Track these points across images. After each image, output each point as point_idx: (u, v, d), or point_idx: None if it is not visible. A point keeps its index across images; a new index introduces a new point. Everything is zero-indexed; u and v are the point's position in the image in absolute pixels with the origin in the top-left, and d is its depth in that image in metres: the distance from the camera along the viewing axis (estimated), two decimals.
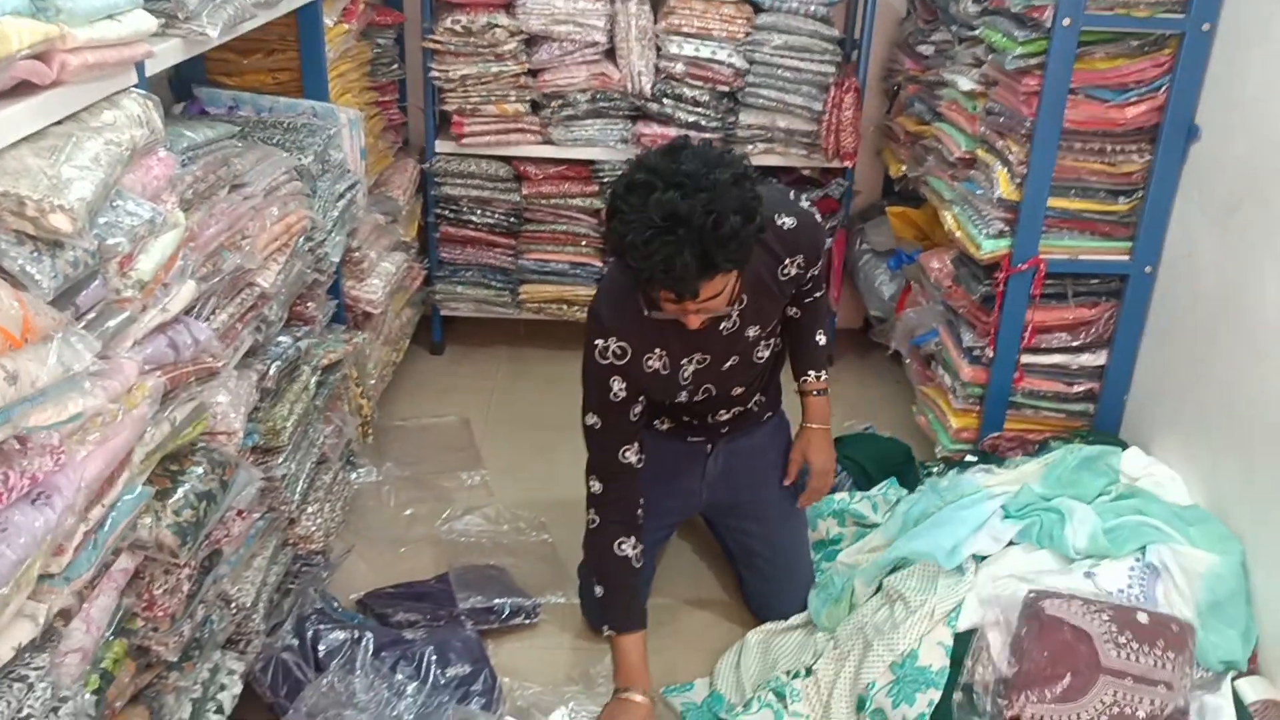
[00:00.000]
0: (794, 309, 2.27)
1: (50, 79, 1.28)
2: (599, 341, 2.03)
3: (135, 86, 1.52)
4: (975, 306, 2.83)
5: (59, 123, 1.34)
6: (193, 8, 1.67)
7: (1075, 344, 2.79)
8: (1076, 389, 2.84)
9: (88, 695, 1.42)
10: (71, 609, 1.41)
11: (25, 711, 1.24)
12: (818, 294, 2.28)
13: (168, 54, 1.66)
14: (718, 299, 1.86)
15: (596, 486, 2.17)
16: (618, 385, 2.06)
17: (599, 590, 2.22)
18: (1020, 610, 2.07)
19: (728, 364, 2.19)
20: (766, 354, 2.26)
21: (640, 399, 2.12)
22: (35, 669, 1.28)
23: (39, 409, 1.15)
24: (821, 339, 2.35)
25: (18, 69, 1.22)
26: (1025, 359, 2.79)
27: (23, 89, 1.26)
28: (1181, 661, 1.96)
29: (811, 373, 2.36)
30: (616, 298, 2.05)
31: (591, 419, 2.12)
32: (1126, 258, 2.67)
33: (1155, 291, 2.67)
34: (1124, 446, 2.61)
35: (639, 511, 2.18)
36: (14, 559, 1.13)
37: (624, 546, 2.17)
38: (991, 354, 2.77)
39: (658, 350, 2.07)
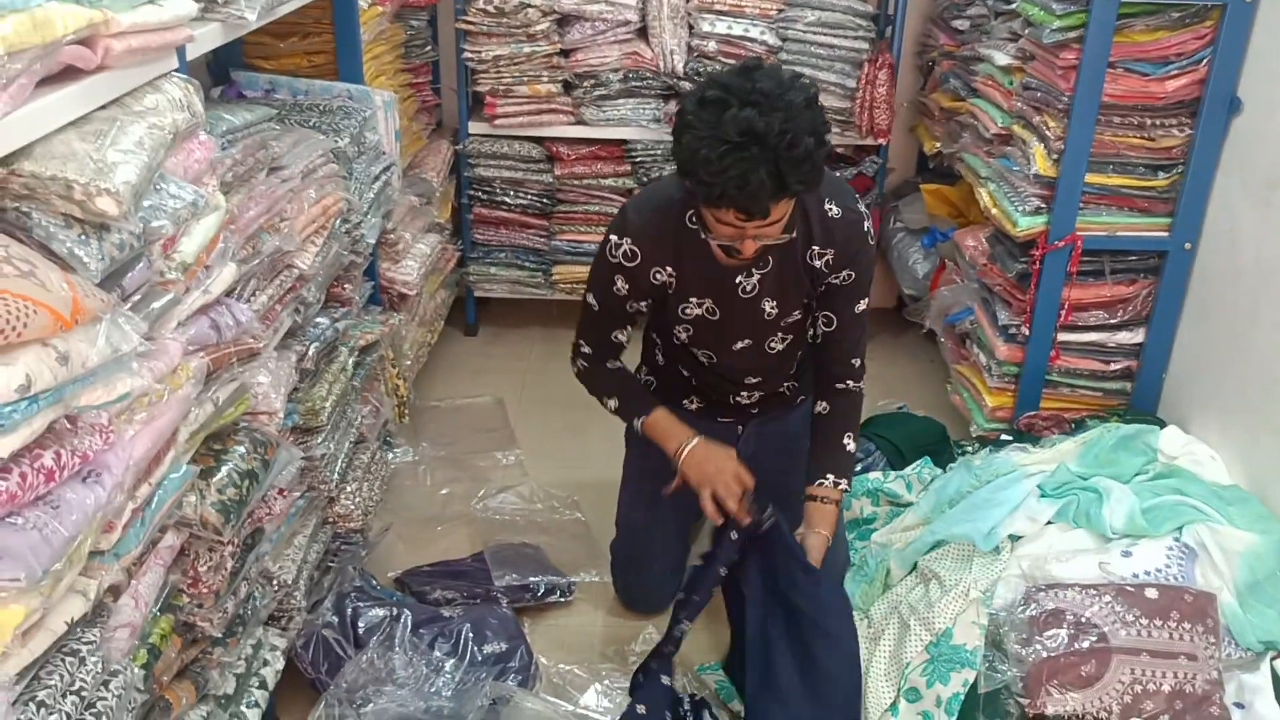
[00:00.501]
0: (819, 321, 2.16)
1: (95, 64, 1.30)
2: (614, 238, 2.02)
3: (176, 71, 1.54)
4: (1011, 284, 2.81)
5: (103, 107, 1.36)
6: None
7: (1112, 322, 2.77)
8: (1113, 367, 2.82)
9: (136, 670, 1.45)
10: (120, 585, 1.44)
11: (77, 684, 1.27)
12: (849, 357, 2.19)
13: (207, 38, 1.68)
14: (776, 225, 1.83)
15: (586, 350, 2.22)
16: (620, 283, 2.06)
17: (612, 403, 2.23)
18: (1021, 608, 2.06)
19: (739, 343, 2.15)
20: (781, 347, 2.18)
21: (643, 302, 2.12)
22: (86, 643, 1.31)
23: (89, 389, 1.18)
24: (850, 444, 2.18)
25: (63, 54, 1.24)
26: (1061, 337, 2.77)
27: (67, 74, 1.28)
28: (1202, 631, 1.95)
29: (830, 477, 2.15)
30: (650, 205, 2.04)
31: (591, 299, 2.14)
32: (1165, 234, 2.64)
33: (1194, 268, 2.64)
34: (1162, 425, 2.59)
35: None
36: (66, 535, 1.16)
37: (614, 364, 2.24)
38: (1027, 332, 2.75)
39: (669, 269, 2.04)
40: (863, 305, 2.14)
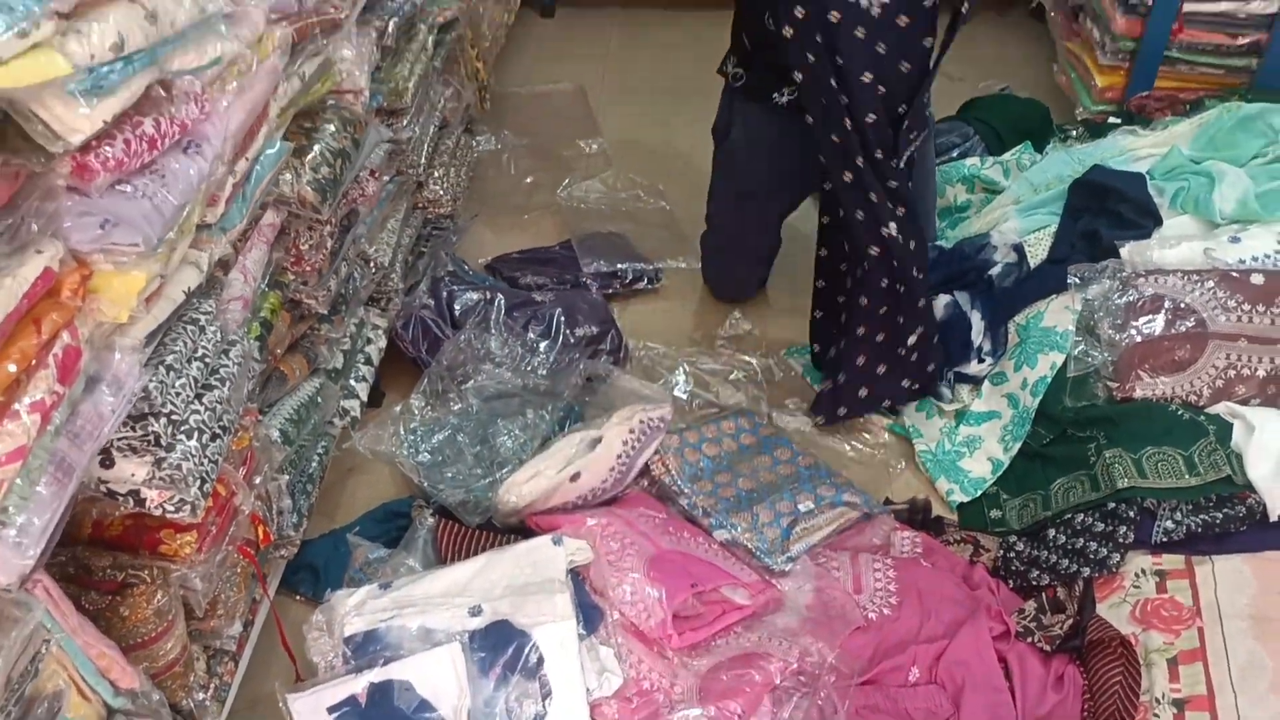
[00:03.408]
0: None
1: None
2: None
3: None
4: None
5: None
6: None
7: None
8: (1241, 41, 2.61)
9: (252, 340, 1.50)
10: (229, 260, 1.46)
11: (200, 351, 1.32)
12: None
13: None
14: None
15: None
16: None
17: None
18: (1119, 293, 2.01)
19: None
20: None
21: None
22: (204, 313, 1.34)
23: (181, 51, 1.14)
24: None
25: None
26: (1188, 6, 2.55)
27: None
28: None
29: None
30: None
31: None
32: None
33: None
34: None
35: None
36: (175, 203, 1.16)
37: None
38: (1150, 1, 2.53)
39: None
40: None
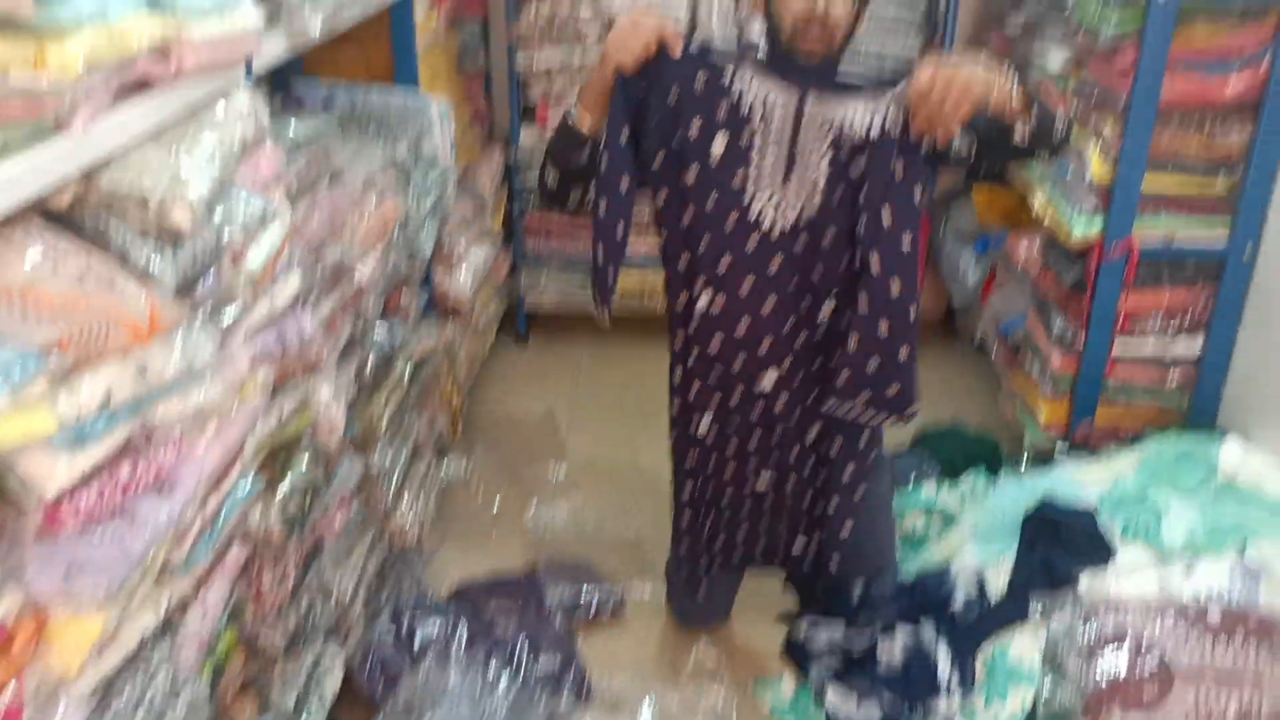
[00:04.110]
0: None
1: (169, 74, 1.30)
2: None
3: (244, 81, 1.54)
4: (1065, 291, 2.76)
5: (176, 119, 1.36)
6: (295, 3, 1.69)
7: (1170, 329, 2.71)
8: (1171, 376, 2.76)
9: (203, 683, 1.45)
10: (188, 598, 1.44)
11: (148, 697, 1.27)
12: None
13: (271, 49, 1.68)
14: (843, 4, 1.78)
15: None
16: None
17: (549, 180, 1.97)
18: (1080, 626, 2.02)
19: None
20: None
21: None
22: (157, 654, 1.31)
23: (165, 401, 1.18)
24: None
25: (138, 66, 1.24)
26: (1118, 346, 2.72)
27: (141, 87, 1.29)
28: (1268, 653, 1.90)
29: None
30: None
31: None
32: (1224, 239, 2.59)
33: (1255, 274, 2.58)
34: (1222, 436, 2.53)
35: None
36: (142, 548, 1.16)
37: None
38: (1083, 341, 2.70)
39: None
40: None
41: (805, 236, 1.85)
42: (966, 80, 1.65)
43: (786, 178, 1.82)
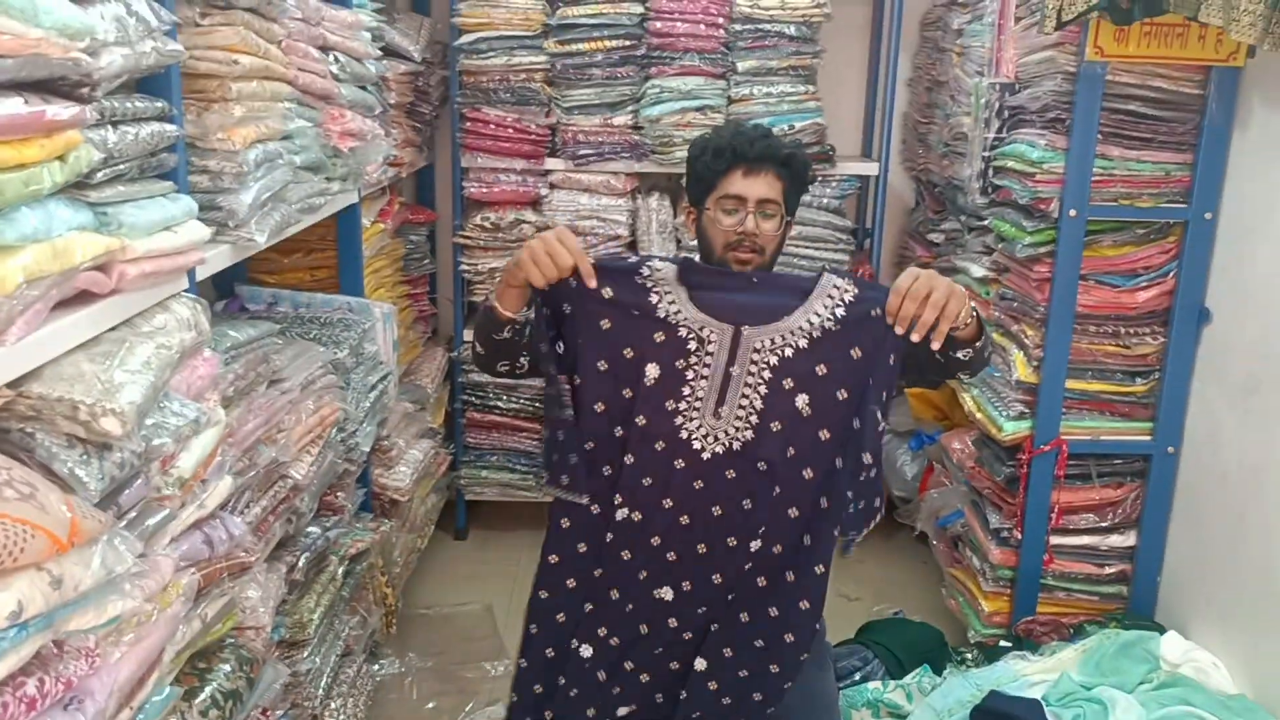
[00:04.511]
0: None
1: (109, 288, 1.34)
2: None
3: (185, 291, 1.59)
4: (1000, 488, 2.83)
5: (113, 328, 1.40)
6: (243, 216, 1.77)
7: (1103, 525, 2.78)
8: (1108, 570, 2.81)
9: None
10: None
11: None
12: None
13: (217, 259, 1.74)
14: (773, 216, 1.88)
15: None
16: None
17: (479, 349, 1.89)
18: None
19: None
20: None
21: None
22: None
23: (79, 612, 1.16)
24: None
25: (79, 280, 1.29)
26: (1054, 540, 2.76)
27: (81, 297, 1.33)
28: None
29: None
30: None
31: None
32: (1148, 438, 2.68)
33: (1180, 471, 2.67)
34: (1161, 630, 2.55)
35: None
36: None
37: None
38: (1019, 536, 2.75)
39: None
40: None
41: (737, 465, 1.78)
42: (949, 288, 1.65)
43: (719, 407, 1.76)
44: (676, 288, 1.75)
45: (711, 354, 1.74)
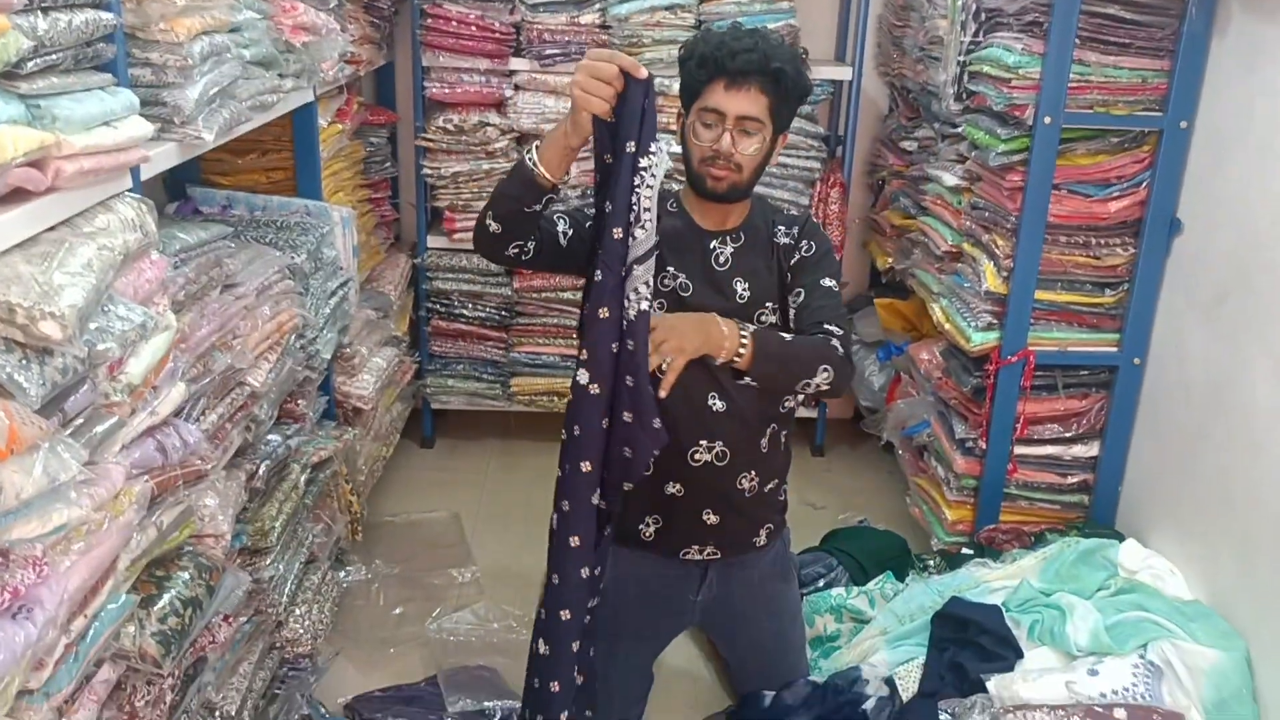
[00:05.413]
0: (790, 302, 2.04)
1: (45, 186, 1.28)
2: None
3: (129, 190, 1.52)
4: (966, 398, 2.84)
5: (52, 228, 1.34)
6: (189, 112, 1.69)
7: (1067, 435, 2.80)
8: (1070, 480, 2.83)
9: None
10: None
11: None
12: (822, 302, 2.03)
13: (163, 158, 1.67)
14: (755, 134, 1.87)
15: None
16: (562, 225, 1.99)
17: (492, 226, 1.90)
18: None
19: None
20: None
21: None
22: None
23: (22, 521, 1.13)
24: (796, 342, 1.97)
25: (12, 176, 1.23)
26: (1018, 450, 2.78)
27: (17, 195, 1.27)
28: None
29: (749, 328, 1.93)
30: None
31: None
32: (1115, 349, 2.69)
33: (1145, 383, 2.68)
34: (1121, 539, 2.58)
35: None
36: None
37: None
38: (984, 446, 2.77)
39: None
40: (830, 282, 2.04)
41: None
42: (682, 337, 1.83)
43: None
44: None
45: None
